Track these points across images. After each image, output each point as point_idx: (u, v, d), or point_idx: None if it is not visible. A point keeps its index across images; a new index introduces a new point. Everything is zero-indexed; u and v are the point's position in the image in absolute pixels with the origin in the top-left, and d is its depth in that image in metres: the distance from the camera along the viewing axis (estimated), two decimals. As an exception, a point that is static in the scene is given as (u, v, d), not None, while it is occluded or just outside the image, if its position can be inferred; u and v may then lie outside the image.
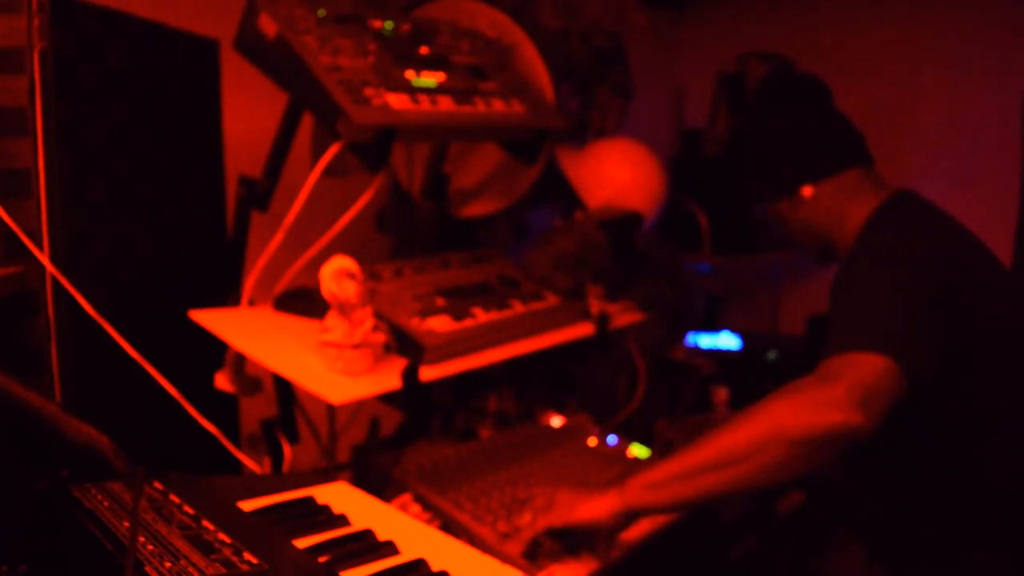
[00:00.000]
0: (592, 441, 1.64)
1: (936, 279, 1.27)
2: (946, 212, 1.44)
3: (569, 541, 1.26)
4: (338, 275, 1.24)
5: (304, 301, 1.44)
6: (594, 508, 1.22)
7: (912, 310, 1.22)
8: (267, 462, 1.46)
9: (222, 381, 1.46)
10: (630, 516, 1.22)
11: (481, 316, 1.46)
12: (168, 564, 0.73)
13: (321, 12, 1.42)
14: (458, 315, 1.43)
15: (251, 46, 1.38)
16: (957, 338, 1.26)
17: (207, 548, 0.77)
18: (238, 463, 1.43)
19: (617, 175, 2.02)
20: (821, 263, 1.58)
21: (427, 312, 1.40)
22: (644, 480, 1.20)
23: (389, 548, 0.87)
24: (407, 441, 1.57)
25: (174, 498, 0.88)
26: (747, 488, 1.16)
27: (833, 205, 1.47)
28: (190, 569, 0.72)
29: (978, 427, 1.31)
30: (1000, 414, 1.31)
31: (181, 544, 0.77)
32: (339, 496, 1.00)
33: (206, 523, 0.82)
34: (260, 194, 1.47)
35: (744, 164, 1.61)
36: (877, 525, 1.45)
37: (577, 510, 1.23)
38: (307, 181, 1.38)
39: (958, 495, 1.32)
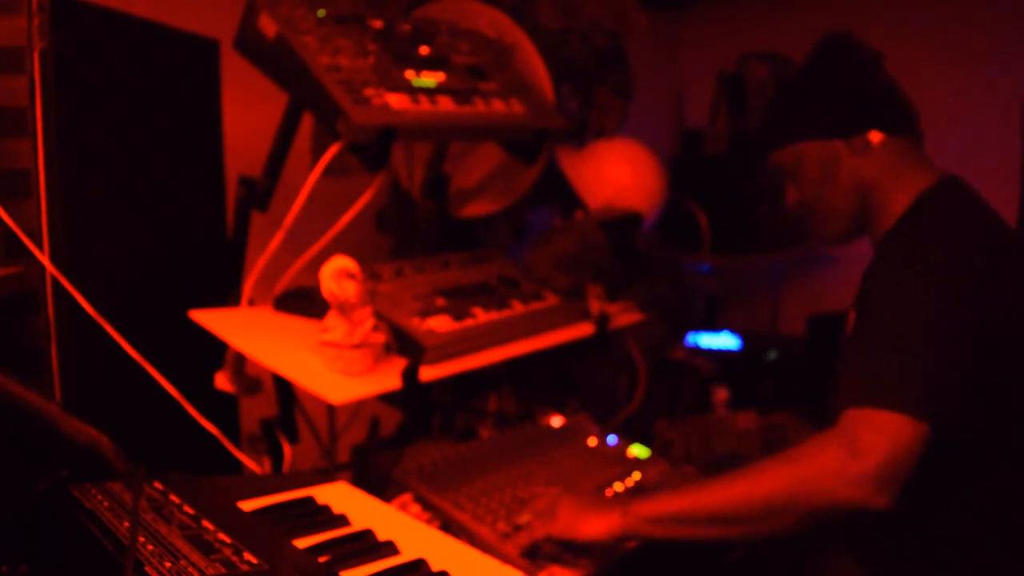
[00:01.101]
0: (592, 441, 1.64)
1: (980, 296, 1.17)
2: (990, 207, 1.31)
3: (568, 545, 1.26)
4: (338, 275, 1.24)
5: (304, 301, 1.44)
6: (596, 527, 1.22)
7: (955, 349, 1.13)
8: (267, 462, 1.46)
9: (222, 381, 1.46)
10: (629, 539, 1.22)
11: (481, 316, 1.46)
12: (168, 564, 0.73)
13: (321, 12, 1.42)
14: (458, 315, 1.43)
15: (251, 46, 1.38)
16: (997, 367, 1.18)
17: (207, 548, 0.77)
18: (238, 463, 1.43)
19: (617, 175, 2.02)
20: (836, 240, 1.43)
21: (427, 312, 1.40)
22: (650, 511, 1.19)
23: (389, 548, 0.87)
24: (407, 441, 1.57)
25: (174, 498, 0.88)
26: (748, 542, 1.15)
27: (893, 164, 1.33)
28: (190, 569, 0.72)
29: (1004, 458, 1.23)
30: None
31: (181, 544, 0.77)
32: (339, 496, 1.00)
33: (206, 523, 0.82)
34: (260, 194, 1.47)
35: (804, 92, 1.42)
36: (879, 546, 1.38)
37: (580, 528, 1.22)
38: (307, 181, 1.38)
39: (972, 525, 1.25)
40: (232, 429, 1.59)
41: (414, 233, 1.79)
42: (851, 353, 1.20)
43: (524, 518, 1.27)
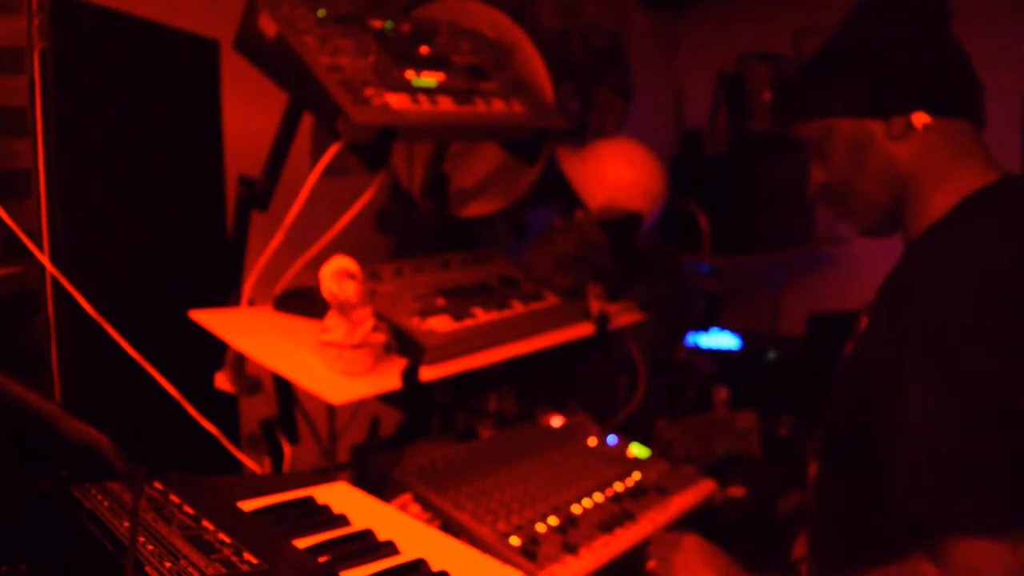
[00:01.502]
0: (592, 441, 1.64)
1: None
2: None
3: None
4: (338, 275, 1.24)
5: (304, 301, 1.44)
6: None
7: None
8: (267, 462, 1.46)
9: (222, 381, 1.46)
10: None
11: (481, 316, 1.46)
12: (168, 564, 0.73)
13: (321, 12, 1.42)
14: (458, 315, 1.43)
15: (251, 46, 1.38)
16: None
17: (207, 548, 0.77)
18: (238, 463, 1.43)
19: (617, 175, 2.02)
20: (872, 233, 1.24)
21: (427, 312, 1.40)
22: None
23: (389, 548, 0.87)
24: (407, 441, 1.57)
25: (174, 498, 0.88)
26: None
27: (937, 154, 1.14)
28: (190, 569, 0.72)
29: None
30: None
31: (181, 544, 0.77)
32: (339, 496, 1.00)
33: (206, 523, 0.82)
34: (260, 194, 1.47)
35: (839, 58, 1.20)
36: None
37: None
38: (307, 181, 1.38)
39: None
40: (232, 429, 1.59)
41: (414, 233, 1.79)
42: (918, 426, 1.00)
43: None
